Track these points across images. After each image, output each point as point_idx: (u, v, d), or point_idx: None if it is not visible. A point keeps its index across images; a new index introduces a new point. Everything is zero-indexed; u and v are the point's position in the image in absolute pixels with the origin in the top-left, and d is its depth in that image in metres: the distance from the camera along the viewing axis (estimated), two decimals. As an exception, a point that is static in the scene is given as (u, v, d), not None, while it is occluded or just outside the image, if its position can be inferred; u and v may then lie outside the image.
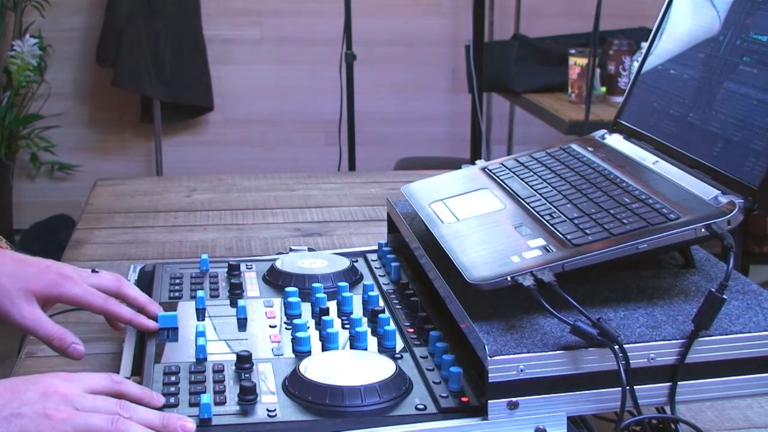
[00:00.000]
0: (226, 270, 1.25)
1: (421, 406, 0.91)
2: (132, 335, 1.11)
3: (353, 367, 0.96)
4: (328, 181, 2.10)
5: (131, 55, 3.81)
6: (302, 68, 4.15)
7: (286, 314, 1.12)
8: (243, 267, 1.27)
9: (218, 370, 0.97)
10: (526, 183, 1.19)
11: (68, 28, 4.02)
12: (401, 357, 1.01)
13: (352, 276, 1.23)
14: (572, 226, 1.02)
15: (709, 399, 0.95)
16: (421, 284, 1.18)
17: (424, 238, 1.16)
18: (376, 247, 1.34)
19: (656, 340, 0.90)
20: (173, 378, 0.96)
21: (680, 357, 0.90)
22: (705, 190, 1.02)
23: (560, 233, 1.01)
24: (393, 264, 1.24)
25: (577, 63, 3.32)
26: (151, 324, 1.09)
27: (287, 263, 1.25)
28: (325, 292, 1.15)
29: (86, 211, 1.83)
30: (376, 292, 1.16)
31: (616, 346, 0.88)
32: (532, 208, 1.10)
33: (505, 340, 0.90)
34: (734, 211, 0.96)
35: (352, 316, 1.10)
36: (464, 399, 0.92)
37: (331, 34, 3.65)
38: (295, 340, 1.03)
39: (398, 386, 0.93)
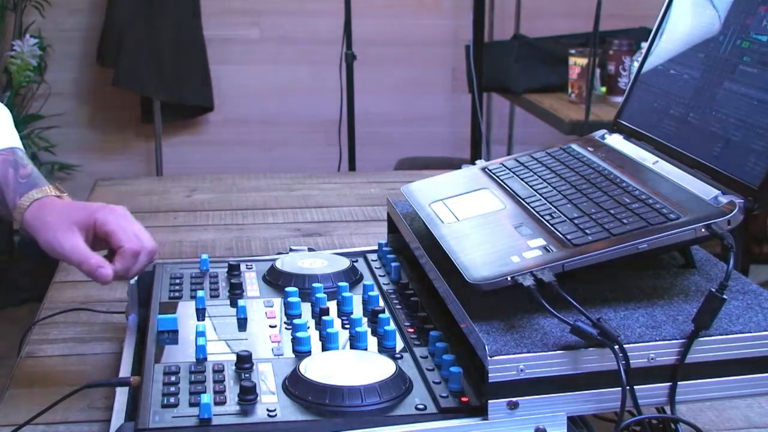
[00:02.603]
0: (226, 270, 1.25)
1: (421, 406, 0.91)
2: (132, 335, 1.11)
3: (353, 367, 0.96)
4: (328, 181, 2.10)
5: (131, 55, 3.80)
6: (302, 68, 4.15)
7: (286, 314, 1.12)
8: (243, 267, 1.27)
9: (218, 370, 0.97)
10: (526, 183, 1.19)
11: (68, 28, 4.02)
12: (401, 357, 1.01)
13: (352, 276, 1.23)
14: (572, 226, 1.02)
15: (709, 399, 0.95)
16: (421, 284, 1.18)
17: (424, 238, 1.16)
18: (376, 247, 1.34)
19: (656, 340, 0.90)
20: (173, 378, 0.96)
21: (680, 357, 0.90)
22: (705, 190, 1.02)
23: (560, 233, 1.01)
24: (393, 264, 1.24)
25: (577, 63, 3.32)
26: (106, 273, 1.09)
27: (287, 263, 1.25)
28: (325, 292, 1.15)
29: (86, 211, 1.83)
30: (376, 292, 1.16)
31: (616, 346, 0.88)
32: (532, 208, 1.10)
33: (505, 340, 0.90)
34: (734, 211, 0.96)
35: (352, 316, 1.10)
36: (464, 399, 0.92)
37: (331, 34, 3.65)
38: (295, 340, 1.03)
39: (398, 386, 0.93)
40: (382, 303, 1.14)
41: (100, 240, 1.13)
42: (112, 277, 1.09)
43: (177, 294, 1.18)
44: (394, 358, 0.99)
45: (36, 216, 1.14)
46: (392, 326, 1.04)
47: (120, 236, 1.12)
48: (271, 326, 1.09)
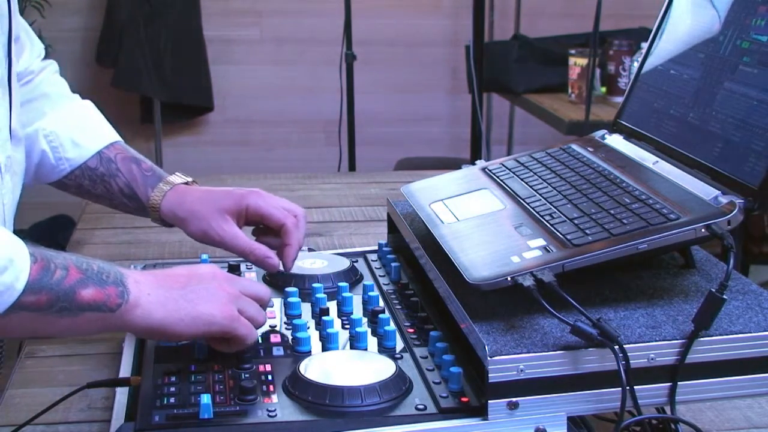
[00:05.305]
0: (226, 270, 1.25)
1: (421, 406, 0.91)
2: (132, 335, 1.11)
3: (353, 367, 0.96)
4: (328, 181, 2.10)
5: (131, 55, 3.80)
6: (302, 68, 4.15)
7: (286, 314, 1.12)
8: (243, 267, 1.27)
9: (218, 370, 0.97)
10: (526, 183, 1.19)
11: (68, 28, 4.01)
12: (401, 357, 1.01)
13: (352, 276, 1.23)
14: (572, 226, 1.02)
15: (709, 399, 0.95)
16: (421, 284, 1.18)
17: (424, 238, 1.16)
18: (376, 247, 1.34)
19: (656, 340, 0.90)
20: (173, 378, 0.96)
21: (680, 357, 0.90)
22: (705, 190, 1.02)
23: (560, 233, 1.01)
24: (393, 264, 1.24)
25: (577, 63, 3.32)
26: (274, 263, 1.15)
27: (287, 263, 1.25)
28: (325, 292, 1.15)
29: (86, 211, 1.83)
30: (376, 292, 1.16)
31: (616, 346, 0.88)
32: (532, 208, 1.10)
33: (505, 340, 0.90)
34: (734, 211, 0.96)
35: (352, 316, 1.10)
36: (464, 399, 0.92)
37: (331, 34, 3.65)
38: (295, 340, 1.03)
39: (398, 386, 0.93)
40: (382, 303, 1.14)
41: (250, 223, 1.19)
42: (278, 266, 1.14)
43: (177, 294, 1.18)
44: (394, 358, 0.99)
45: (177, 205, 1.19)
46: (392, 326, 1.04)
47: (277, 216, 1.17)
48: (271, 326, 1.09)
